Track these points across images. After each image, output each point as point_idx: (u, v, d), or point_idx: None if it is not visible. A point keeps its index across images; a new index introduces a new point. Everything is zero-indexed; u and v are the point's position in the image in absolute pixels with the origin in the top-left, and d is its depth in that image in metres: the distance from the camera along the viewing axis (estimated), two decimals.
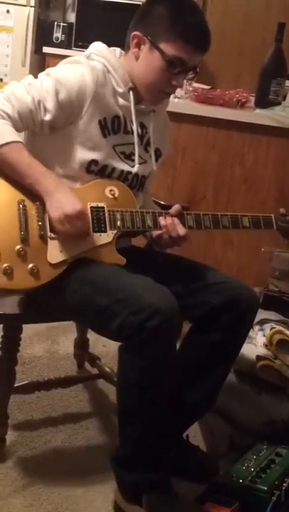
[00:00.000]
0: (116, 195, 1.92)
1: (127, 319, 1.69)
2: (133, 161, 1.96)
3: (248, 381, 2.25)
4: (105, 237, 1.88)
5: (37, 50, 5.14)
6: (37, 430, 2.27)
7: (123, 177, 1.95)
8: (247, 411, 2.22)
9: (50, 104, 1.82)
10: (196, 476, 2.05)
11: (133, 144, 1.94)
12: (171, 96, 2.07)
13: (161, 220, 1.92)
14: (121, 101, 1.91)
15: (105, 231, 1.88)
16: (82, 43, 4.94)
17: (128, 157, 1.95)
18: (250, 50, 4.31)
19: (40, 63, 5.22)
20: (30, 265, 1.83)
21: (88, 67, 1.86)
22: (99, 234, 1.87)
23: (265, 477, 1.89)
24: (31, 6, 4.97)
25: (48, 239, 1.84)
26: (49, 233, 1.84)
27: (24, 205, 1.84)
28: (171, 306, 1.72)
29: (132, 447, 1.84)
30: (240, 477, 1.89)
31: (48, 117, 1.84)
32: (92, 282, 1.81)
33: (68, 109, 1.84)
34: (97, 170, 1.91)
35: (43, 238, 1.84)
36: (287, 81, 3.13)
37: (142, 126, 1.97)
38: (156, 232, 1.95)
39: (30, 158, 1.83)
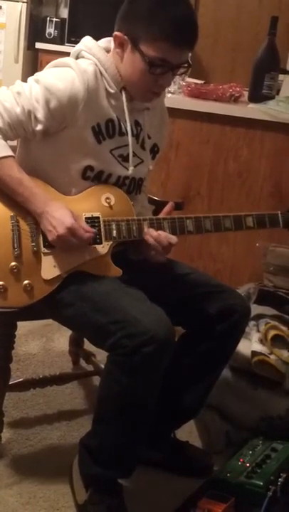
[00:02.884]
0: (112, 203, 1.87)
1: (122, 341, 1.69)
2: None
3: (244, 377, 2.24)
4: (100, 249, 1.84)
5: (30, 46, 5.13)
6: (32, 427, 2.27)
7: (120, 182, 1.91)
8: (243, 407, 2.22)
9: (40, 113, 1.77)
10: (190, 472, 2.06)
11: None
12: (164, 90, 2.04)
13: (152, 232, 1.84)
14: (113, 102, 1.84)
15: (100, 243, 1.84)
16: (75, 39, 4.93)
17: (126, 159, 1.89)
18: (244, 44, 4.32)
19: (33, 59, 5.21)
20: (25, 282, 1.81)
21: (78, 71, 1.78)
22: (94, 246, 1.83)
23: (261, 472, 1.89)
24: (23, 2, 4.96)
25: (42, 254, 1.82)
26: (43, 248, 1.82)
27: (17, 221, 1.82)
28: (167, 334, 1.71)
29: (98, 444, 1.85)
30: (235, 472, 1.90)
31: (39, 127, 1.79)
32: (88, 298, 1.79)
33: (60, 117, 1.78)
34: (93, 176, 1.86)
35: (37, 254, 1.82)
36: (280, 75, 3.12)
37: (136, 124, 1.92)
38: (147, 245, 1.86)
39: (20, 174, 1.79)
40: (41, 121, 1.78)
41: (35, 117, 1.78)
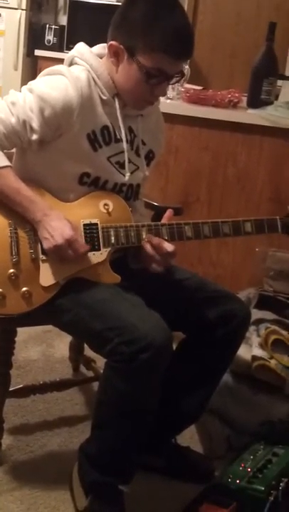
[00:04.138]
0: (110, 209, 1.86)
1: (119, 348, 1.69)
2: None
3: (245, 381, 2.24)
4: (99, 256, 1.83)
5: (29, 53, 5.15)
6: (33, 434, 2.27)
7: (117, 189, 1.90)
8: (244, 411, 2.22)
9: (35, 123, 1.76)
10: (191, 477, 2.05)
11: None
12: (163, 98, 2.03)
13: (153, 240, 1.83)
14: (107, 109, 1.83)
15: (99, 249, 1.83)
16: (74, 46, 4.95)
17: (123, 166, 1.88)
18: (242, 50, 4.33)
19: (32, 66, 5.23)
20: (23, 290, 1.82)
21: (71, 78, 1.77)
22: (92, 253, 1.82)
23: (262, 477, 1.89)
24: (23, 9, 4.98)
25: (40, 261, 1.82)
26: (41, 256, 1.82)
27: (15, 228, 1.82)
28: (165, 340, 1.71)
29: (97, 450, 1.85)
30: (237, 477, 1.89)
31: (34, 137, 1.78)
32: (86, 305, 1.79)
33: (55, 125, 1.77)
34: (90, 182, 1.86)
35: (35, 261, 1.82)
36: (279, 80, 3.13)
37: (130, 130, 1.91)
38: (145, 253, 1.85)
39: (17, 184, 1.79)
40: (36, 131, 1.77)
41: (31, 127, 1.77)
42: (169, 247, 1.83)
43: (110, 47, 1.78)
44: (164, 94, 1.85)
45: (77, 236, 1.79)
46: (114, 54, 1.78)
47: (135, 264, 1.91)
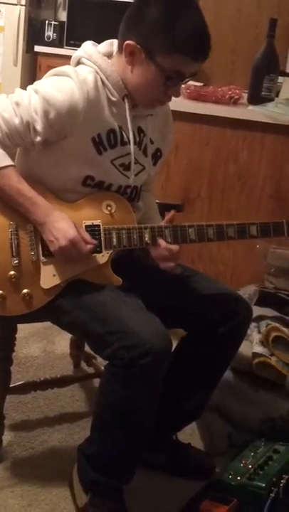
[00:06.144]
0: (113, 210, 1.84)
1: (119, 352, 1.68)
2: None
3: (245, 378, 2.24)
4: (100, 258, 1.82)
5: (28, 49, 5.13)
6: (33, 430, 2.27)
7: (122, 191, 1.88)
8: (244, 408, 2.22)
9: (39, 125, 1.73)
10: (192, 474, 2.06)
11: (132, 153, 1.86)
12: None
13: (162, 242, 1.82)
14: (115, 110, 1.80)
15: (100, 251, 1.82)
16: (74, 42, 4.94)
17: (127, 168, 1.86)
18: (243, 46, 4.32)
19: (32, 62, 5.22)
20: (23, 291, 1.81)
21: (77, 81, 1.73)
22: (94, 255, 1.81)
23: (263, 474, 1.89)
24: (22, 5, 4.96)
25: (41, 264, 1.82)
26: (42, 258, 1.82)
27: (16, 230, 1.81)
28: (164, 345, 1.70)
29: (96, 452, 1.85)
30: (237, 474, 1.89)
31: (38, 139, 1.76)
32: (86, 307, 1.79)
33: (59, 128, 1.74)
34: (93, 184, 1.84)
35: (36, 263, 1.82)
36: (279, 77, 3.12)
37: (139, 130, 1.88)
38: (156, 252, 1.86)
39: (20, 184, 1.78)
40: (40, 133, 1.75)
41: (34, 129, 1.75)
42: (169, 248, 1.82)
43: (126, 47, 1.73)
44: (178, 95, 1.80)
45: (81, 234, 1.78)
46: (130, 54, 1.74)
47: (148, 262, 1.90)
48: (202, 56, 1.73)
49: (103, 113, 1.78)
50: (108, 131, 1.80)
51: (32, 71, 5.19)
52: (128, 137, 1.83)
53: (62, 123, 1.74)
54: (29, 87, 1.79)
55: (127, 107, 1.80)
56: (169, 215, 1.88)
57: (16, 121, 1.75)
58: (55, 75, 1.79)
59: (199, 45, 1.71)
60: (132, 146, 1.83)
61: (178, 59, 1.70)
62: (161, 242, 1.82)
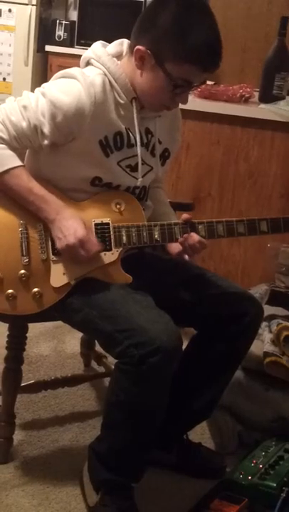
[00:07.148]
0: (122, 208, 1.84)
1: (129, 350, 1.68)
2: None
3: (256, 378, 2.24)
4: (110, 256, 1.82)
5: (39, 48, 5.15)
6: (44, 429, 2.27)
7: (130, 192, 1.88)
8: (255, 407, 2.21)
9: (46, 129, 1.74)
10: (202, 473, 2.05)
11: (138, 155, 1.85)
12: None
13: (195, 236, 1.83)
14: (123, 112, 1.79)
15: (110, 249, 1.82)
16: (85, 41, 4.95)
17: (134, 169, 1.86)
18: (254, 45, 4.30)
19: (43, 62, 5.23)
20: (34, 290, 1.82)
21: (85, 83, 1.72)
22: (104, 253, 1.81)
23: (274, 474, 1.89)
24: (33, 5, 4.98)
25: (51, 262, 1.82)
26: (52, 256, 1.82)
27: (26, 229, 1.82)
28: (174, 343, 1.70)
29: (107, 450, 1.85)
30: (248, 474, 1.89)
31: (46, 142, 1.76)
32: (96, 305, 1.79)
33: (66, 131, 1.74)
34: (102, 185, 1.84)
35: (46, 262, 1.82)
36: None
37: (147, 131, 1.87)
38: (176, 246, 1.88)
39: (30, 183, 1.79)
40: (47, 136, 1.76)
41: (42, 132, 1.75)
42: (196, 237, 1.83)
43: (137, 51, 1.72)
44: (186, 102, 1.80)
45: (90, 236, 1.78)
46: (140, 59, 1.73)
47: (166, 254, 1.91)
48: (212, 67, 1.72)
49: (110, 116, 1.78)
50: (115, 133, 1.80)
51: (43, 71, 5.21)
52: (135, 139, 1.83)
53: (69, 126, 1.74)
54: (36, 90, 1.79)
55: (134, 109, 1.80)
56: (183, 218, 1.87)
57: (24, 124, 1.76)
58: (63, 77, 1.79)
59: (210, 56, 1.70)
60: (138, 149, 1.83)
61: (188, 68, 1.69)
62: (195, 235, 1.83)
